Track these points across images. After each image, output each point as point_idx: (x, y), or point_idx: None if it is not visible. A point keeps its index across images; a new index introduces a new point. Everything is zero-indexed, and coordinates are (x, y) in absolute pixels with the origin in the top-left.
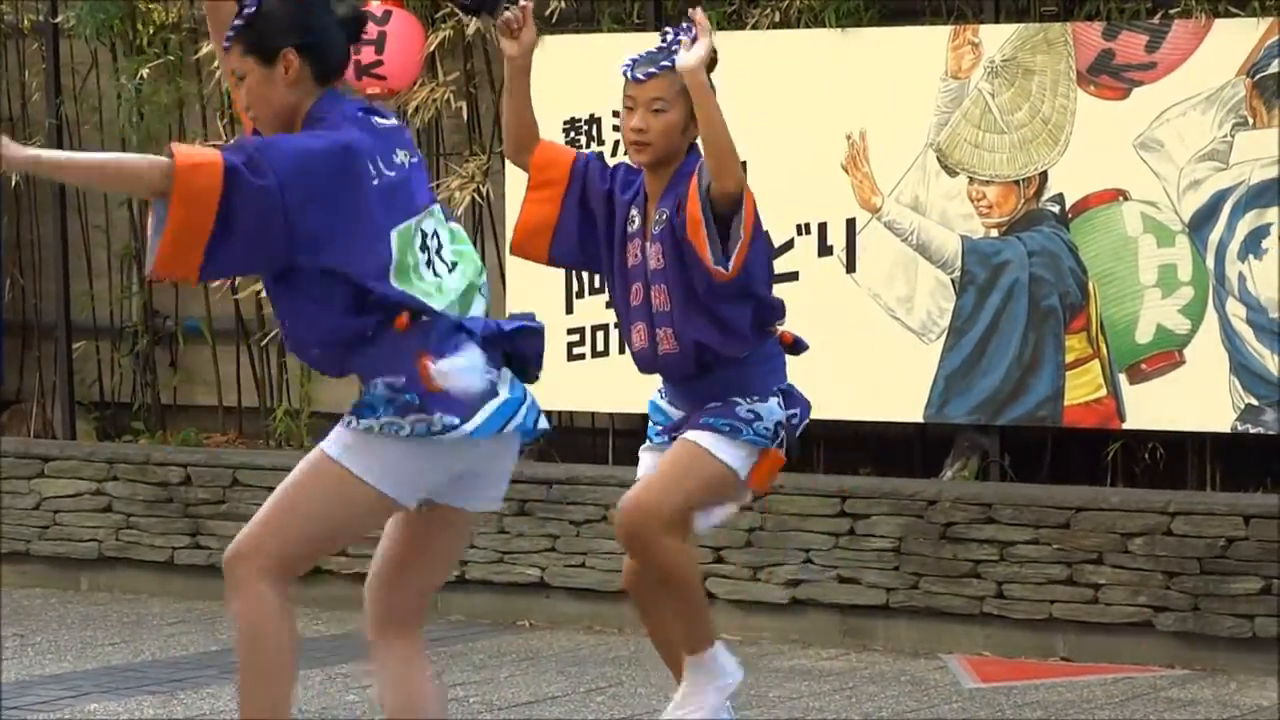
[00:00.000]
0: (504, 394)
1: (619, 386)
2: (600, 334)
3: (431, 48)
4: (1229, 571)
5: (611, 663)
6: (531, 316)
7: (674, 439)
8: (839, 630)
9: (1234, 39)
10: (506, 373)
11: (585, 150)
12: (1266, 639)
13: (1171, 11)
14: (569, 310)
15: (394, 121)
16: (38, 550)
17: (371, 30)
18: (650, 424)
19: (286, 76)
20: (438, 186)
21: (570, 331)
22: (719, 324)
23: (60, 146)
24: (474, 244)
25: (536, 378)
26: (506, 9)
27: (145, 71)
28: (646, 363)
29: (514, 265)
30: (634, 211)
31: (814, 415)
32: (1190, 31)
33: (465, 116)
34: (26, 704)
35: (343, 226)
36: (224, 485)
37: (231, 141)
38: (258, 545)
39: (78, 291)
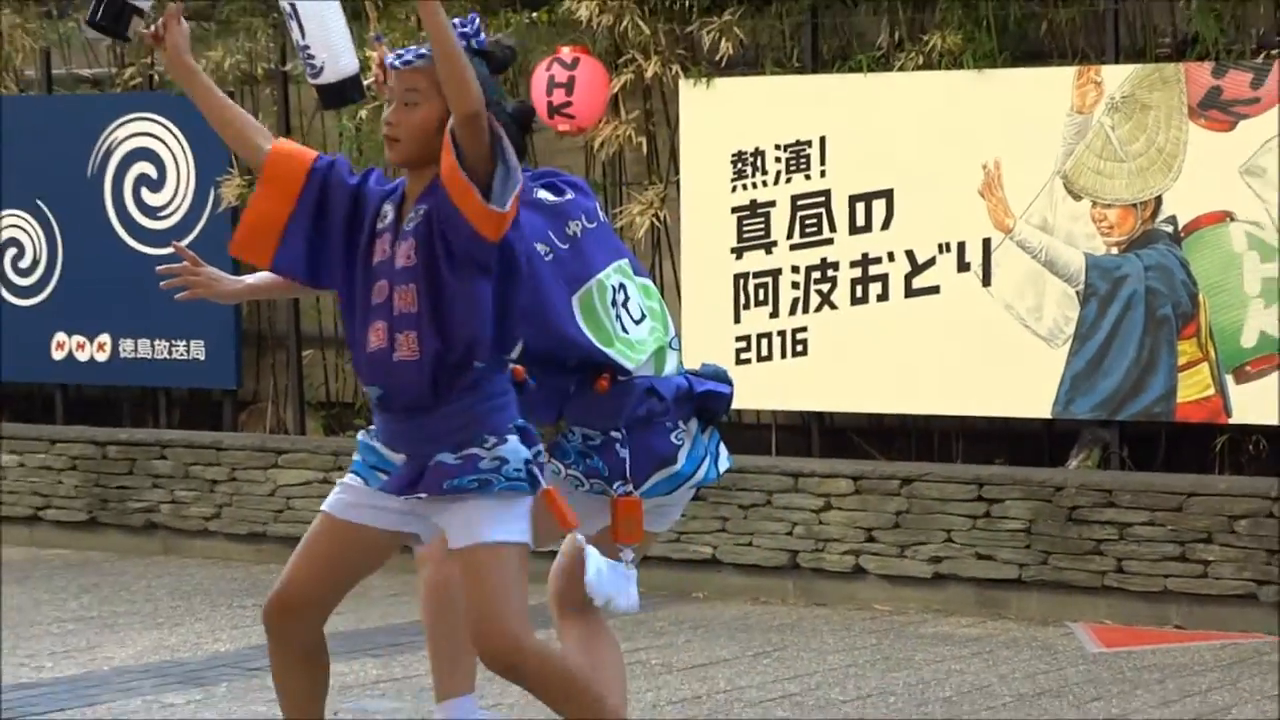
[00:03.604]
0: (679, 463)
1: (780, 387)
2: (764, 341)
3: (615, 90)
4: None
5: (776, 630)
6: (722, 374)
7: (404, 491)
8: (976, 601)
9: None
10: (694, 426)
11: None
12: None
13: (1274, 52)
14: (737, 320)
15: (570, 195)
16: (273, 531)
17: (562, 75)
18: (359, 459)
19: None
20: (620, 213)
21: (738, 339)
22: (460, 328)
23: None
24: (653, 262)
25: (720, 420)
26: (141, 27)
27: (364, 112)
28: (378, 368)
29: (690, 281)
30: (388, 207)
31: (954, 411)
32: None
33: (645, 150)
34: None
35: (529, 305)
36: None
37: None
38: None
39: (306, 305)
